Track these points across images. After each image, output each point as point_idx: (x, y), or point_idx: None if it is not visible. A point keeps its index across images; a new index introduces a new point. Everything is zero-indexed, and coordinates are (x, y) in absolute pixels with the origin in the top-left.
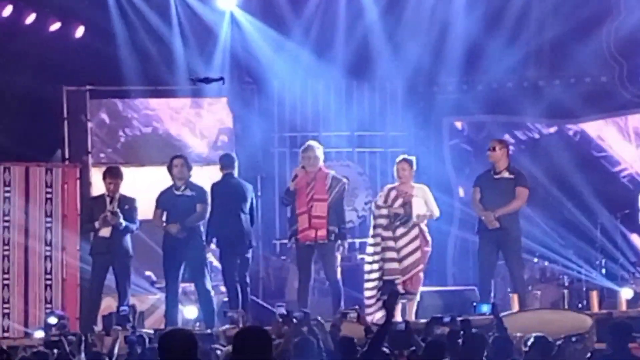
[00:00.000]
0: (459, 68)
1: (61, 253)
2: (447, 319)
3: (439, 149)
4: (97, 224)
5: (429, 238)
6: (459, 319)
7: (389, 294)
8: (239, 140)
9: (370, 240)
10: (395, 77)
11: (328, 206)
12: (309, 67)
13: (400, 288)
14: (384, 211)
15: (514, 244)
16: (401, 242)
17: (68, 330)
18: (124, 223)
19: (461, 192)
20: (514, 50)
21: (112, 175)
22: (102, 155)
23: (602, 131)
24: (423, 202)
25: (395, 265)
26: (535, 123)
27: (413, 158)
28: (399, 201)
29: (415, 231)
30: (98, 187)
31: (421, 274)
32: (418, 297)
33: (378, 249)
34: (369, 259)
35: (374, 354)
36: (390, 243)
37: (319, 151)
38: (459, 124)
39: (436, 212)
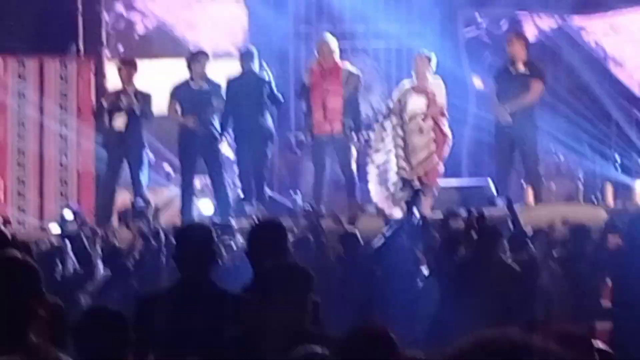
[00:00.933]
0: None
1: (76, 147)
2: (462, 213)
3: (454, 43)
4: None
5: (446, 131)
6: (474, 212)
7: (413, 195)
8: (254, 34)
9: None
10: None
11: (343, 99)
12: None
13: (417, 183)
14: (396, 106)
15: (529, 137)
16: (414, 138)
17: (84, 224)
18: (139, 110)
19: (478, 84)
20: None
21: (127, 65)
22: (116, 48)
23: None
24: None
25: (404, 163)
26: (551, 16)
27: (431, 54)
28: (419, 99)
29: (428, 123)
30: (113, 81)
31: (438, 167)
32: (435, 192)
33: (389, 143)
34: (377, 156)
35: (388, 249)
36: (399, 141)
37: (334, 44)
38: (477, 15)
39: (441, 105)
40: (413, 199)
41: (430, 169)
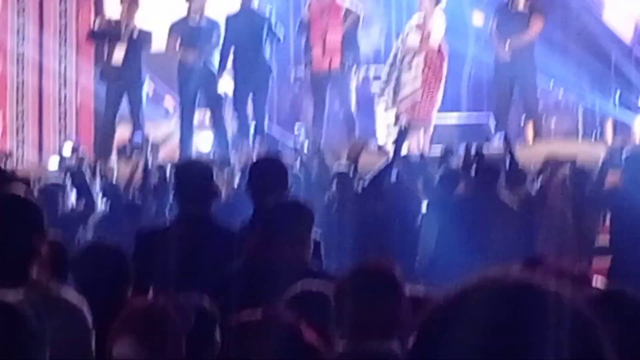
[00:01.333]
0: None
1: (75, 81)
2: (460, 151)
3: None
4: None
5: (440, 69)
6: (472, 149)
7: (398, 133)
8: None
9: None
10: None
11: (342, 35)
12: None
13: (403, 119)
14: (399, 42)
15: (528, 74)
16: (403, 74)
17: (83, 159)
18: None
19: (478, 20)
20: None
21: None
22: None
23: None
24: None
25: (389, 99)
26: None
27: None
28: (416, 36)
29: (417, 60)
30: (113, 16)
31: (429, 104)
32: (429, 128)
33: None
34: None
35: (374, 190)
36: (392, 74)
37: None
38: None
39: (432, 44)
40: (398, 137)
41: (416, 105)
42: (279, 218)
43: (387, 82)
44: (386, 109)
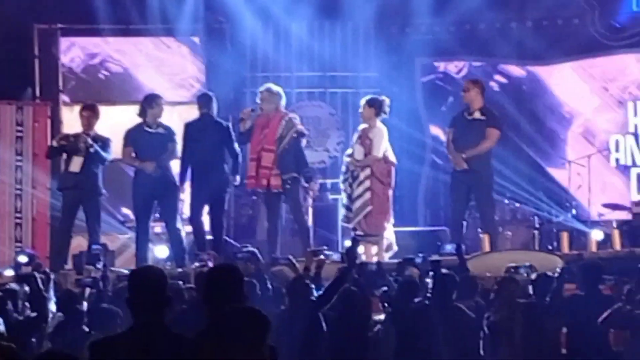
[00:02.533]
0: (431, 9)
1: (31, 192)
2: (418, 260)
3: (411, 89)
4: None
5: (385, 179)
6: (430, 259)
7: (351, 243)
8: (211, 80)
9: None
10: (368, 17)
11: (275, 156)
12: (282, 7)
13: (358, 232)
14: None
15: (485, 185)
16: (354, 187)
17: (40, 268)
18: (95, 149)
19: (435, 131)
20: None
21: (89, 110)
22: (73, 94)
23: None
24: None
25: (345, 211)
26: (507, 64)
27: (385, 98)
28: (360, 149)
29: (365, 173)
30: (69, 125)
31: (381, 214)
32: (386, 239)
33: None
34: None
35: (328, 298)
36: (347, 189)
37: (274, 96)
38: (437, 64)
39: (375, 154)
40: (350, 248)
41: (369, 217)
42: (234, 325)
43: (345, 196)
44: (345, 222)
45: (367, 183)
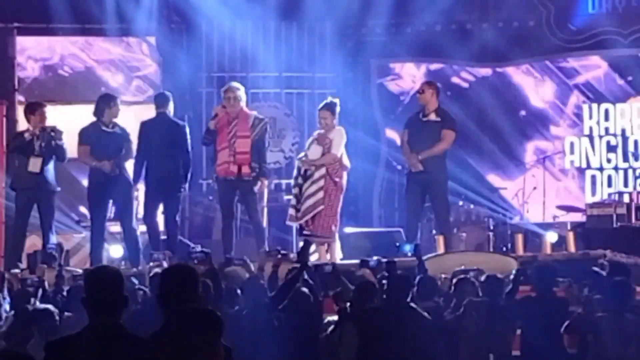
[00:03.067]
0: (387, 11)
1: None
2: (373, 262)
3: (366, 91)
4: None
5: (340, 180)
6: (384, 260)
7: (303, 244)
8: (167, 79)
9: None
10: (324, 18)
11: (251, 142)
12: (238, 8)
13: (306, 231)
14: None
15: (440, 186)
16: (306, 186)
17: None
18: (58, 143)
19: (390, 133)
20: None
21: (35, 108)
22: (28, 93)
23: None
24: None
25: (292, 211)
26: (464, 67)
27: (336, 100)
28: (317, 148)
29: (320, 172)
30: (24, 125)
31: (330, 216)
32: (337, 239)
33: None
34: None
35: (281, 299)
36: (296, 190)
37: (240, 92)
38: (392, 65)
39: (334, 153)
40: (301, 249)
41: (318, 217)
42: (188, 326)
43: (292, 196)
44: (291, 221)
45: (321, 182)
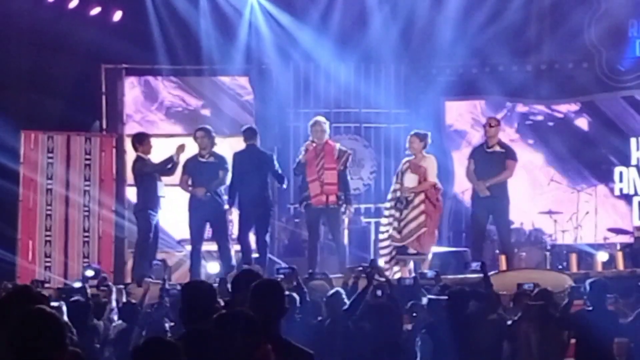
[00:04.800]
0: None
1: (98, 213)
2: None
3: (437, 125)
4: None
5: (437, 203)
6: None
7: (370, 267)
8: (259, 115)
9: (387, 206)
10: (399, 60)
11: (337, 173)
12: (324, 51)
13: (411, 250)
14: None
15: (503, 210)
16: (405, 212)
17: (105, 281)
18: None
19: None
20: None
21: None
22: (136, 126)
23: None
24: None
25: (394, 233)
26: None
27: (427, 132)
28: (413, 177)
29: (419, 198)
30: (132, 155)
31: (430, 236)
32: (430, 256)
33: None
34: (382, 228)
35: (354, 309)
36: (397, 214)
37: (326, 126)
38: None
39: (431, 179)
40: (371, 270)
41: (422, 238)
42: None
43: (391, 220)
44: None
45: (422, 207)
